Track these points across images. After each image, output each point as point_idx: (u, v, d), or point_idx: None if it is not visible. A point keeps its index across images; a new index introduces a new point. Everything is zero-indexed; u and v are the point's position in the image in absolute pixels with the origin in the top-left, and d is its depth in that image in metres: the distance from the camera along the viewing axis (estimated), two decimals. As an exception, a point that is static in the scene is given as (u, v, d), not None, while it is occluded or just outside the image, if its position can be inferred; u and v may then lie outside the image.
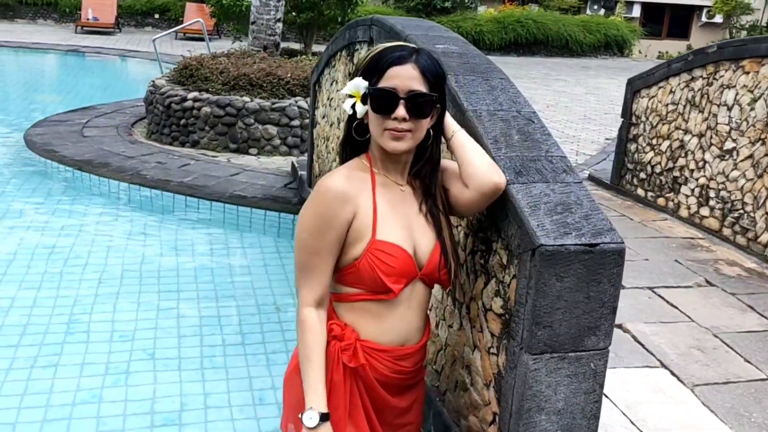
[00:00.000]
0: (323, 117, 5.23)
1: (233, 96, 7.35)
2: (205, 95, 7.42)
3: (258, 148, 7.39)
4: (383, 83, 1.82)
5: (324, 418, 1.81)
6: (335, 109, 4.82)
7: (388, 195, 1.93)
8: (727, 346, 3.54)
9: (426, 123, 1.88)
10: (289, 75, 7.56)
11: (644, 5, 25.45)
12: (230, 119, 7.34)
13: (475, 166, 1.98)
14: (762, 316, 3.91)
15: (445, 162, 2.07)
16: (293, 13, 9.85)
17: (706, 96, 5.31)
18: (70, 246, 5.09)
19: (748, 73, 4.92)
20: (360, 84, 1.86)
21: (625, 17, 23.97)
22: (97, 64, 15.70)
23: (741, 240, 4.93)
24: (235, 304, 4.30)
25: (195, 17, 19.76)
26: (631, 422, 2.86)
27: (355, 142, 1.96)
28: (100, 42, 18.29)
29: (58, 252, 4.98)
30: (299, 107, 7.39)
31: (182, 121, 7.51)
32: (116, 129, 8.21)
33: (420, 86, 1.83)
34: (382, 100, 1.82)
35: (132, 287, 4.47)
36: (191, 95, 7.48)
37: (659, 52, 24.15)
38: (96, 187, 6.30)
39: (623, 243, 2.11)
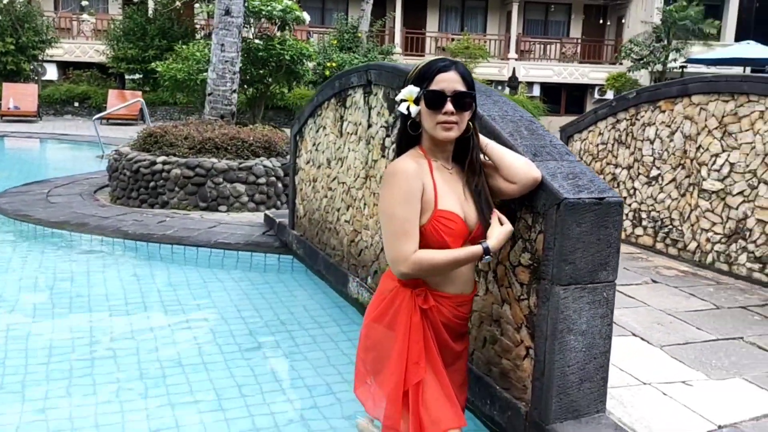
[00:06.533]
0: (307, 162, 5.84)
1: (201, 158, 7.86)
2: (174, 158, 7.89)
3: (227, 206, 7.86)
4: (433, 86, 2.41)
5: (487, 252, 2.45)
6: (323, 152, 5.45)
7: (441, 175, 2.48)
8: (681, 320, 4.28)
9: (467, 115, 2.47)
10: (251, 138, 8.16)
11: (543, 85, 27.72)
12: (200, 179, 7.82)
13: (516, 167, 2.58)
14: (702, 300, 4.71)
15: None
16: (244, 86, 10.55)
17: (630, 134, 6.28)
18: (68, 291, 5.39)
19: (664, 111, 5.92)
20: (413, 90, 2.47)
21: (527, 96, 25.90)
22: (23, 147, 15.79)
23: (673, 251, 5.80)
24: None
25: (117, 103, 20.07)
26: (620, 370, 3.50)
27: (409, 136, 2.57)
28: (25, 128, 18.35)
29: (57, 295, 5.28)
30: (264, 166, 7.97)
31: (151, 184, 7.92)
32: (80, 196, 8.50)
33: (461, 87, 2.43)
34: (434, 100, 2.40)
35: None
36: (160, 159, 7.93)
37: (560, 127, 26.04)
38: (86, 243, 6.60)
39: (621, 198, 2.82)
